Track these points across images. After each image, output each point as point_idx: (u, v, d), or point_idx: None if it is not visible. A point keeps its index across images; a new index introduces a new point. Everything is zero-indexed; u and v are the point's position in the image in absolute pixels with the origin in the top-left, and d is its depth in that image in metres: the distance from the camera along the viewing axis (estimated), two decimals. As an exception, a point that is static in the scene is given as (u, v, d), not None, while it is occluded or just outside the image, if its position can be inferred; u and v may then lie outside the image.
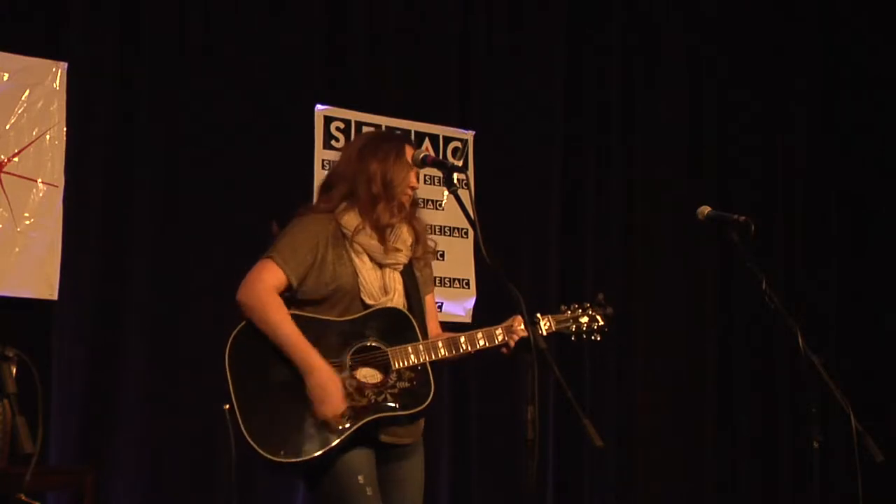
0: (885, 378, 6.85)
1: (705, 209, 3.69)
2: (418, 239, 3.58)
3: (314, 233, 3.45)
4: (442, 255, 5.59)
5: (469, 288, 5.73)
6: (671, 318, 6.43)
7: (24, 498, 2.93)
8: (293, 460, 3.28)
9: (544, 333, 3.56)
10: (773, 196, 6.85)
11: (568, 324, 3.64)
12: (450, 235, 5.67)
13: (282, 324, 3.33)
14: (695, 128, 6.63)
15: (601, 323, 3.67)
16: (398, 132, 3.50)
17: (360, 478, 3.32)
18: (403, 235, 3.55)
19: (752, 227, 3.51)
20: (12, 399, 2.85)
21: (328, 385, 3.30)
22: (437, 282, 5.48)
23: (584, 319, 3.65)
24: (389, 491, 3.43)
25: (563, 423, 5.85)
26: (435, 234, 5.57)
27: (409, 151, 3.51)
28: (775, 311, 3.45)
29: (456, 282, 5.68)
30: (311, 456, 3.28)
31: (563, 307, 3.67)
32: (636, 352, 6.30)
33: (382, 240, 3.47)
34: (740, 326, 6.60)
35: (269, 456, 3.27)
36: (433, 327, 3.64)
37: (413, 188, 3.52)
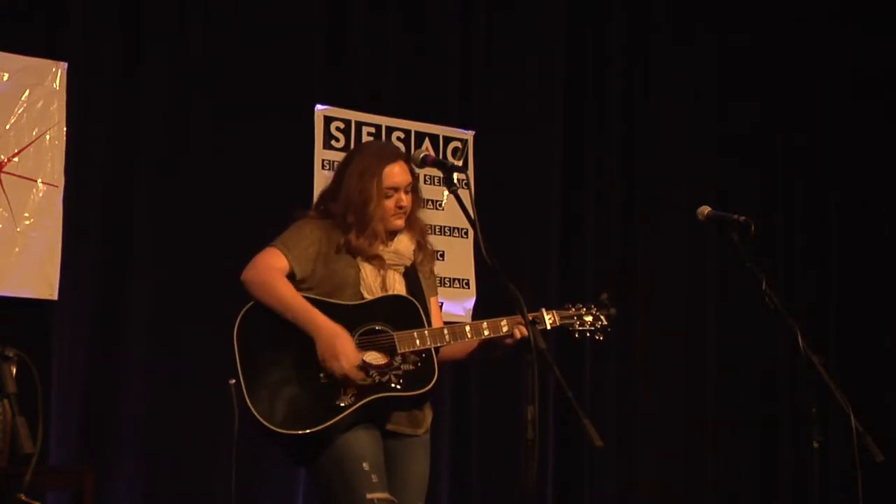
0: (885, 378, 6.85)
1: (705, 209, 3.69)
2: (420, 247, 3.61)
3: (317, 228, 3.51)
4: (442, 256, 5.59)
5: (469, 288, 5.72)
6: (671, 318, 6.43)
7: (24, 498, 2.93)
8: (295, 432, 3.31)
9: (548, 327, 3.55)
10: (773, 196, 6.85)
11: (571, 321, 3.62)
12: (450, 235, 5.67)
13: (286, 293, 3.40)
14: (695, 127, 6.63)
15: (604, 323, 3.65)
16: (391, 150, 3.48)
17: (364, 464, 3.33)
18: (403, 241, 3.58)
19: (752, 227, 3.51)
20: (12, 399, 2.85)
21: (336, 340, 3.34)
22: (437, 282, 5.49)
23: (588, 318, 3.64)
24: (392, 485, 3.42)
25: (563, 423, 5.86)
26: (435, 234, 5.57)
27: (389, 174, 3.49)
28: (775, 311, 3.45)
29: (456, 282, 5.68)
30: (315, 429, 3.31)
31: (567, 305, 3.66)
32: (636, 352, 6.30)
33: (365, 257, 3.50)
34: (740, 326, 6.60)
35: (271, 426, 3.29)
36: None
37: (400, 207, 3.51)
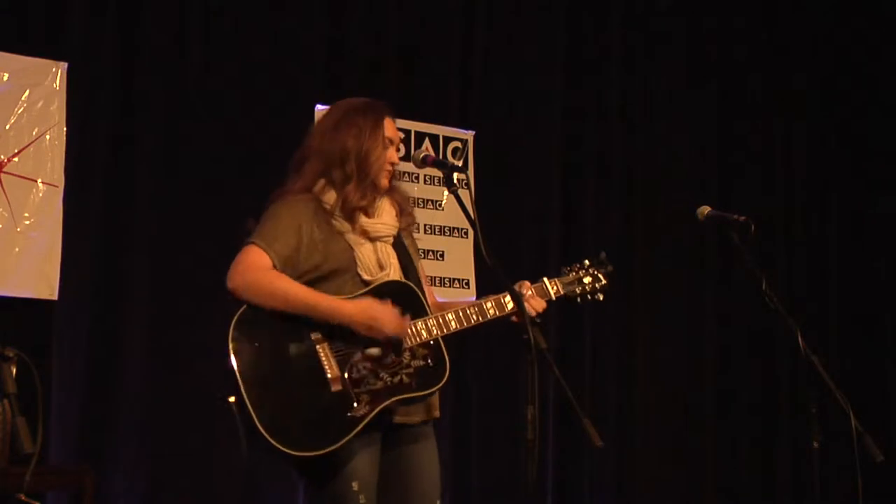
0: (885, 378, 6.85)
1: (705, 209, 3.69)
2: (402, 210, 3.47)
3: (295, 214, 3.31)
4: (442, 256, 5.59)
5: (469, 288, 5.72)
6: (671, 317, 6.43)
7: (24, 498, 2.93)
8: (311, 453, 3.10)
9: (553, 298, 3.48)
10: (773, 196, 6.85)
11: (573, 286, 3.56)
12: (450, 235, 5.67)
13: (291, 290, 3.17)
14: (695, 127, 6.64)
15: (603, 282, 3.60)
16: (383, 104, 3.33)
17: (354, 484, 3.17)
18: (386, 209, 3.43)
19: (752, 227, 3.50)
20: (12, 399, 2.85)
21: (371, 313, 3.18)
22: (437, 282, 5.50)
23: (588, 280, 3.58)
24: (400, 484, 3.30)
25: (563, 423, 5.86)
26: (435, 234, 5.59)
27: (388, 125, 3.40)
28: (775, 311, 3.45)
29: (456, 282, 5.68)
30: (331, 447, 3.10)
31: (565, 269, 3.60)
32: (636, 351, 6.30)
33: (352, 221, 3.33)
34: (740, 326, 6.60)
35: (285, 448, 3.04)
36: (428, 296, 3.47)
37: (393, 164, 3.40)
